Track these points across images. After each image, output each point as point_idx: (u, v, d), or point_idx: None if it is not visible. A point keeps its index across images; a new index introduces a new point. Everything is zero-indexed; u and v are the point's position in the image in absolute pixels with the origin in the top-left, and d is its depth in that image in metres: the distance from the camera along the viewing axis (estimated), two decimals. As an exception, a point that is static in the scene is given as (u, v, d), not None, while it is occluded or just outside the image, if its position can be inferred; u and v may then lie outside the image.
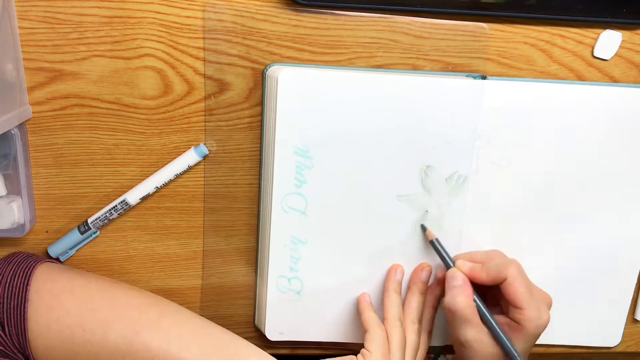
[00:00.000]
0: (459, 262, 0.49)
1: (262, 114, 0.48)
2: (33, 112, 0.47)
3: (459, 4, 0.46)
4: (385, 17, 0.46)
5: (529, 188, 0.50)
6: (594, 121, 0.49)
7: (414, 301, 0.50)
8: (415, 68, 0.48)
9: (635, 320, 0.57)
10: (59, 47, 0.45)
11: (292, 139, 0.46)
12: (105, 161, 0.49)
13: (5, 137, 0.45)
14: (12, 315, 0.43)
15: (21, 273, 0.44)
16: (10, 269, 0.45)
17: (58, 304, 0.44)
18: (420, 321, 0.50)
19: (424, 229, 0.50)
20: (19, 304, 0.43)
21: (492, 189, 0.50)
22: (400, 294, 0.50)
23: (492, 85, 0.47)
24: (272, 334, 0.52)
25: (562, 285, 0.53)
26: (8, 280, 0.44)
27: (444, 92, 0.47)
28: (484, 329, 0.46)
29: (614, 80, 0.50)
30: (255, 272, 0.53)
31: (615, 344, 0.56)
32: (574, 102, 0.48)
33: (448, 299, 0.47)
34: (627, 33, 0.49)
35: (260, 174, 0.50)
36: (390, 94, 0.46)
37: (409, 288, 0.51)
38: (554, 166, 0.50)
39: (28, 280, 0.44)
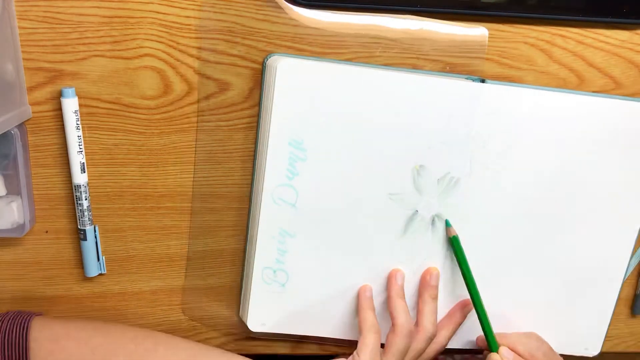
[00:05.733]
0: (503, 351, 0.49)
1: (259, 103, 0.48)
2: (33, 112, 0.47)
3: (459, 4, 0.46)
4: (385, 17, 0.46)
5: (520, 195, 0.50)
6: (590, 133, 0.49)
7: (428, 309, 0.50)
8: (415, 68, 0.48)
9: (635, 318, 0.57)
10: (59, 47, 0.45)
11: (287, 129, 0.46)
12: (105, 161, 0.49)
13: (5, 137, 0.45)
14: None
15: (18, 326, 0.45)
16: (7, 323, 0.46)
17: (58, 348, 0.45)
18: (432, 329, 0.49)
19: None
20: (20, 353, 0.44)
21: (484, 193, 0.50)
22: (404, 298, 0.50)
23: (490, 89, 0.47)
24: (254, 325, 0.51)
25: (547, 291, 0.53)
26: (6, 333, 0.45)
27: (442, 93, 0.46)
28: None
29: (614, 80, 0.50)
30: (243, 264, 0.53)
31: (594, 354, 0.55)
32: (572, 111, 0.48)
33: None
34: (627, 33, 0.49)
35: (253, 166, 0.50)
36: (388, 90, 0.46)
37: (420, 295, 0.51)
38: (547, 175, 0.50)
39: (27, 331, 0.45)
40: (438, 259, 0.51)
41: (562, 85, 0.50)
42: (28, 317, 0.47)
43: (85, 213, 0.48)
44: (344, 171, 0.48)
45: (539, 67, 0.49)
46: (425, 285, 0.51)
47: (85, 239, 0.49)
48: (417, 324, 0.50)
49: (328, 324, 0.52)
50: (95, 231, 0.50)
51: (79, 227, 0.49)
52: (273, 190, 0.48)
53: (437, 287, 0.51)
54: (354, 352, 0.47)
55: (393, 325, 0.48)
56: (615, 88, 0.50)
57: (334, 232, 0.49)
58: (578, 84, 0.50)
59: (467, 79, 0.48)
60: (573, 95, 0.48)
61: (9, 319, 0.46)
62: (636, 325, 0.57)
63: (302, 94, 0.45)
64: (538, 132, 0.48)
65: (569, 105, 0.48)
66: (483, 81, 0.48)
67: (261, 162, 0.48)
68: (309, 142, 0.47)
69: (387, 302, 0.50)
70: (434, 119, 0.47)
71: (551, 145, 0.49)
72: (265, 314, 0.51)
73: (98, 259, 0.50)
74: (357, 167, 0.48)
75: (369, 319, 0.49)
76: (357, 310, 0.51)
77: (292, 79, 0.45)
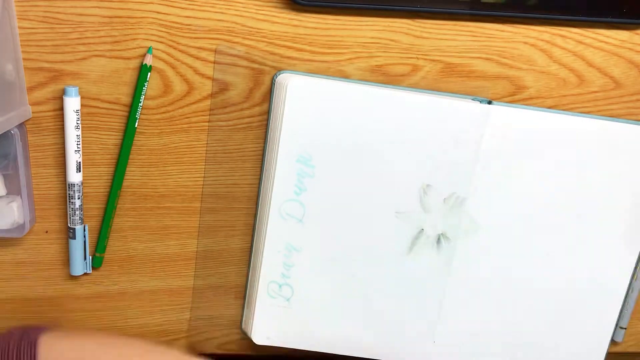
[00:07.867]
0: None
1: (267, 119, 0.48)
2: (33, 112, 0.47)
3: (459, 4, 0.46)
4: (385, 17, 0.46)
5: (524, 214, 0.50)
6: (594, 155, 0.49)
7: None
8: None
9: (636, 321, 0.57)
10: (59, 47, 0.45)
11: (296, 146, 0.46)
12: (105, 161, 0.49)
13: (5, 137, 0.45)
14: None
15: (27, 345, 0.43)
16: (15, 344, 0.43)
17: None
18: None
19: None
20: None
21: (489, 212, 0.50)
22: None
23: (497, 110, 0.48)
24: (258, 338, 0.52)
25: (547, 312, 0.53)
26: (14, 356, 0.42)
27: (450, 114, 0.47)
28: None
29: (614, 80, 0.50)
30: (247, 275, 0.53)
31: None
32: (576, 133, 0.49)
33: None
34: (627, 33, 0.49)
35: (260, 178, 0.50)
36: (396, 110, 0.46)
37: None
38: (550, 195, 0.50)
39: (34, 353, 0.43)
40: (442, 278, 0.51)
41: (562, 85, 0.50)
42: (36, 336, 0.44)
43: (77, 212, 0.48)
44: (352, 188, 0.48)
45: (539, 67, 0.49)
46: None
47: (74, 237, 0.49)
48: None
49: (333, 340, 0.52)
50: (84, 230, 0.50)
51: (69, 225, 0.49)
52: (281, 205, 0.48)
53: None
54: None
55: None
56: (615, 88, 0.50)
57: (339, 248, 0.50)
58: (578, 84, 0.50)
59: (474, 99, 0.48)
60: (578, 118, 0.49)
61: (17, 337, 0.44)
62: (636, 325, 0.57)
63: (312, 112, 0.46)
64: (542, 153, 0.49)
65: (574, 127, 0.49)
66: (490, 102, 0.48)
67: (269, 177, 0.48)
68: (317, 159, 0.47)
69: None
70: (441, 139, 0.47)
71: (554, 166, 0.49)
72: (270, 327, 0.51)
73: (85, 258, 0.50)
74: (364, 184, 0.48)
75: None
76: None
77: (302, 98, 0.45)
